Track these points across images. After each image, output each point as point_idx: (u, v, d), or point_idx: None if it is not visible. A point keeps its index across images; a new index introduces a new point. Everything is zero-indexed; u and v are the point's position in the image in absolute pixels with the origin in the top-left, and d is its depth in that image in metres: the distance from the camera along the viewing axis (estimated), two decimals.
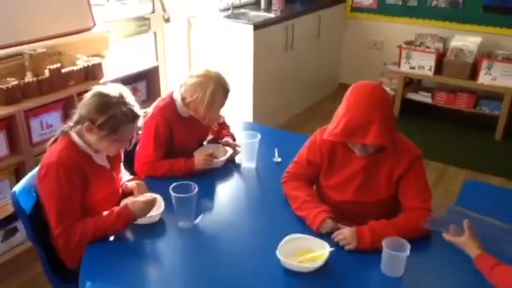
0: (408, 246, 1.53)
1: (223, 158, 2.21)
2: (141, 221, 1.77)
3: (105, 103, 1.72)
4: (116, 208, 1.74)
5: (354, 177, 1.84)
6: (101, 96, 1.74)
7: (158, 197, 1.83)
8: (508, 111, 4.30)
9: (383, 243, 1.55)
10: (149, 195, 1.80)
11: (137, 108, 1.78)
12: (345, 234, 1.68)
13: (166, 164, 2.11)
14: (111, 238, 1.73)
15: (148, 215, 1.76)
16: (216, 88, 2.08)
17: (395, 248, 1.54)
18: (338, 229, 1.73)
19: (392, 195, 1.84)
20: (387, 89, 4.69)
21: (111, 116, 1.70)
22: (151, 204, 1.75)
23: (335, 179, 1.89)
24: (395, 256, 1.53)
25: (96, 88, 1.77)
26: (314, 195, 1.91)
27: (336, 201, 1.88)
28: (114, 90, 1.76)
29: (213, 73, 2.12)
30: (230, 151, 2.26)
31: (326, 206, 1.81)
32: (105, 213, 1.74)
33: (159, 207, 1.82)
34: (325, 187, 1.93)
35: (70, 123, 1.78)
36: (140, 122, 1.82)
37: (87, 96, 1.77)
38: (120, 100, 1.73)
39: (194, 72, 2.16)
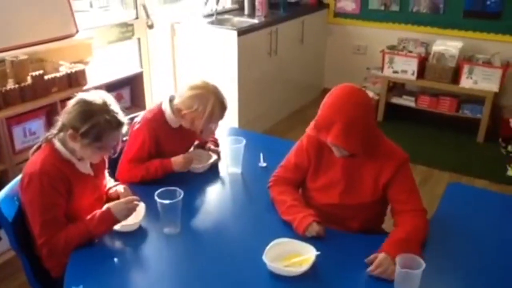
0: (423, 263, 1.48)
1: (207, 164, 2.22)
2: (119, 229, 1.76)
3: (88, 111, 1.70)
4: (98, 212, 1.73)
5: (338, 180, 1.86)
6: (85, 103, 1.72)
7: (140, 204, 1.82)
8: (489, 114, 4.37)
9: (397, 260, 1.50)
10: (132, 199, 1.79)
11: (121, 116, 1.77)
12: (384, 266, 1.56)
13: (141, 168, 2.09)
14: (96, 246, 1.71)
15: (126, 223, 1.75)
16: (216, 103, 2.08)
17: (408, 265, 1.49)
18: (324, 232, 1.73)
19: (378, 199, 1.85)
20: (371, 93, 4.73)
21: (95, 124, 1.69)
22: (132, 205, 1.74)
23: (320, 182, 1.90)
24: (409, 274, 1.48)
25: (79, 96, 1.75)
26: (301, 200, 1.91)
27: (322, 204, 1.89)
28: (98, 97, 1.74)
29: (211, 86, 2.12)
30: (214, 156, 2.26)
31: (313, 210, 1.81)
32: (88, 217, 1.72)
33: (138, 215, 1.80)
34: (312, 189, 1.94)
35: (53, 131, 1.76)
36: (125, 129, 1.81)
37: (70, 103, 1.75)
38: (104, 108, 1.72)
39: (191, 83, 2.14)
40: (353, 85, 1.80)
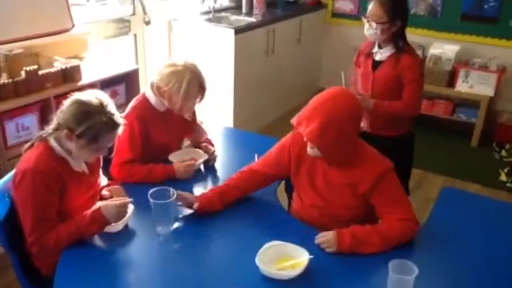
0: (416, 269, 1.47)
1: (199, 161, 2.21)
2: (106, 228, 1.74)
3: (84, 112, 1.68)
4: (89, 211, 1.71)
5: (317, 182, 1.86)
6: (81, 104, 1.69)
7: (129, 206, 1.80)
8: (484, 118, 4.38)
9: (389, 265, 1.49)
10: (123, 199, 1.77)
11: (117, 116, 1.74)
12: (328, 237, 1.70)
13: (143, 170, 2.08)
14: (87, 246, 1.70)
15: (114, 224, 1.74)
16: (192, 79, 2.08)
17: (401, 271, 1.47)
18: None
19: (361, 206, 1.82)
20: None
21: (91, 125, 1.67)
22: (124, 207, 1.73)
23: (302, 182, 1.91)
24: (401, 280, 1.47)
25: (75, 96, 1.72)
26: (230, 190, 1.94)
27: (307, 205, 1.90)
28: (94, 97, 1.71)
29: (189, 64, 2.12)
30: (204, 155, 2.24)
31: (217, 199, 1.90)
32: (79, 216, 1.71)
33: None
34: (298, 189, 1.96)
35: (48, 129, 1.74)
36: (121, 130, 1.78)
37: (66, 103, 1.72)
38: (100, 109, 1.69)
39: (170, 61, 2.15)
40: (347, 90, 1.80)
